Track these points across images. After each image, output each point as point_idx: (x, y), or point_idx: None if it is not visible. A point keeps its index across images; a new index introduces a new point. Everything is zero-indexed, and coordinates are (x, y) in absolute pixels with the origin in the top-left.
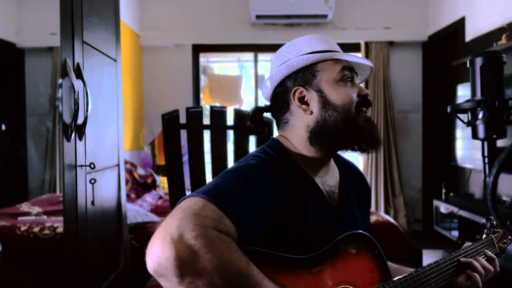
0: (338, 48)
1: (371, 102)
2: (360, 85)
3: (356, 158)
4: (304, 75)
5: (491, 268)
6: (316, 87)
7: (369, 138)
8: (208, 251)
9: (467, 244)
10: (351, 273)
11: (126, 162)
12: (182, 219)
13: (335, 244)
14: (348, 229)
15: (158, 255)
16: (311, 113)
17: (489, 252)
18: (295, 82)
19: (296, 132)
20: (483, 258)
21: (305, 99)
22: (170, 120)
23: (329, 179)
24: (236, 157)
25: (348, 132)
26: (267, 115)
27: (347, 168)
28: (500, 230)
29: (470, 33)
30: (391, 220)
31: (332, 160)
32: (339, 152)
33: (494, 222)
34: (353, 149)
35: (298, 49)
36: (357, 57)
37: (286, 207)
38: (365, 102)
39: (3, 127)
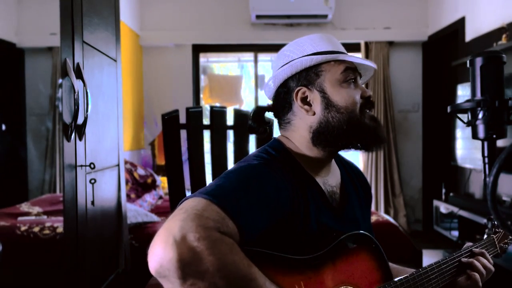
0: (342, 48)
1: (374, 103)
2: (363, 86)
3: (356, 158)
4: (307, 75)
5: (492, 268)
6: (319, 87)
7: (374, 135)
8: (210, 253)
9: (468, 244)
10: (352, 273)
11: (126, 162)
12: (184, 220)
13: (337, 244)
14: (350, 229)
15: (160, 256)
16: (314, 113)
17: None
18: (298, 82)
19: (299, 132)
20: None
21: (308, 100)
22: (170, 120)
23: (330, 179)
24: (236, 157)
25: (353, 132)
26: (269, 114)
27: (348, 168)
28: (502, 230)
29: (470, 33)
30: (391, 220)
31: (333, 161)
32: (341, 152)
33: (495, 222)
34: (357, 148)
35: (302, 49)
36: (361, 59)
37: (288, 208)
38: (368, 103)
39: (3, 127)
